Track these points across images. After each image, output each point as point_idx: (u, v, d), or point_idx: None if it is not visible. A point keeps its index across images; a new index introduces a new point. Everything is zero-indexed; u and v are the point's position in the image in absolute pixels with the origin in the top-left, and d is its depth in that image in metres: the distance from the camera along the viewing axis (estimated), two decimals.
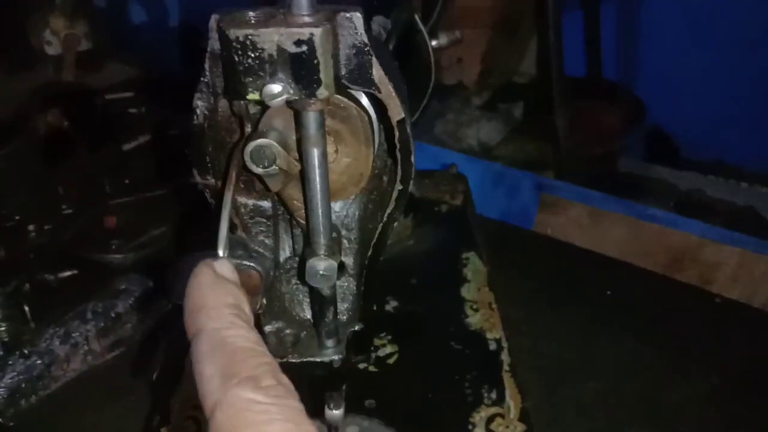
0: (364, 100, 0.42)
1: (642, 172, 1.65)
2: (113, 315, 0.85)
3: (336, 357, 0.47)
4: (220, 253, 0.41)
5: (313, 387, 0.50)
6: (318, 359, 0.47)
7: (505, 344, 0.68)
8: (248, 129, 0.43)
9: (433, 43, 0.81)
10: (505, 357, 0.67)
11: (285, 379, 0.30)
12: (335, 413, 0.52)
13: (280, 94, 0.36)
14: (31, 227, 1.03)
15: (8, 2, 1.36)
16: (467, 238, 0.85)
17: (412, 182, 0.43)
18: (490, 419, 0.60)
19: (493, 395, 0.63)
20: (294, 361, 0.47)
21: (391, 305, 0.72)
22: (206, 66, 0.39)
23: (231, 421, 0.28)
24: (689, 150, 1.70)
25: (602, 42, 1.70)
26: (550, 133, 1.53)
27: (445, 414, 0.61)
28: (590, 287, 1.03)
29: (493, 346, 0.68)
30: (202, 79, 0.40)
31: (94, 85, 1.32)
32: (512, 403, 0.62)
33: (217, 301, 0.33)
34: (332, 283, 0.44)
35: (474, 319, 0.71)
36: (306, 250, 0.45)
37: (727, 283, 1.08)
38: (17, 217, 1.03)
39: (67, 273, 0.94)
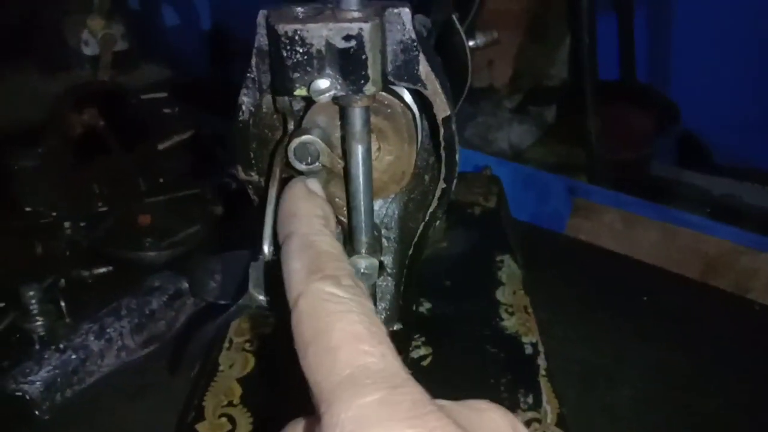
0: (407, 97, 0.42)
1: (674, 177, 1.62)
2: (147, 312, 0.85)
3: None
4: (265, 249, 0.41)
5: None
6: None
7: (541, 348, 0.67)
8: (291, 126, 0.43)
9: (470, 43, 0.80)
10: (541, 361, 0.66)
11: (361, 284, 0.32)
12: None
13: (327, 90, 0.35)
14: (66, 224, 1.04)
15: (45, 4, 1.39)
16: (501, 240, 0.84)
17: (455, 181, 0.43)
18: (526, 424, 0.59)
19: (530, 400, 0.62)
20: None
21: (425, 307, 0.72)
22: (252, 62, 0.39)
23: (313, 309, 0.30)
24: (722, 155, 1.67)
25: (636, 45, 1.68)
26: (583, 136, 1.51)
27: None
28: (624, 292, 1.01)
29: (529, 350, 0.67)
30: (248, 75, 0.40)
31: (129, 85, 1.34)
32: (549, 408, 0.61)
33: (309, 211, 0.36)
34: (373, 281, 0.43)
35: (509, 323, 0.70)
36: (347, 248, 0.44)
37: (764, 291, 1.05)
38: (53, 215, 1.04)
39: (102, 270, 0.95)
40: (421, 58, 0.38)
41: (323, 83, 0.35)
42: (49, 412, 0.76)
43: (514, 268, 0.79)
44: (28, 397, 0.76)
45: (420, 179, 0.46)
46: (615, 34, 1.70)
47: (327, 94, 0.36)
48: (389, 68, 0.38)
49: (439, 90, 0.39)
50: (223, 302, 0.93)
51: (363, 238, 0.42)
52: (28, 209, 1.02)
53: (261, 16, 0.37)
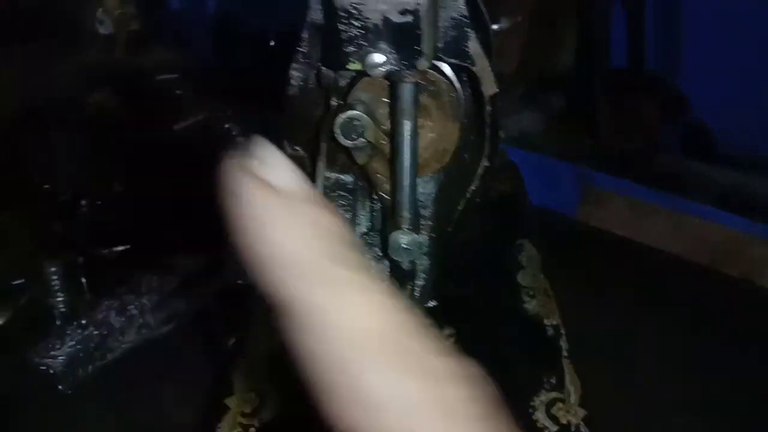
0: (448, 71, 0.42)
1: (681, 167, 1.63)
2: (167, 290, 0.86)
3: None
4: None
5: None
6: None
7: (563, 330, 0.68)
8: (334, 102, 0.43)
9: (494, 26, 0.81)
10: (563, 343, 0.67)
11: None
12: None
13: (383, 65, 0.36)
14: (83, 202, 1.04)
15: None
16: (521, 224, 0.85)
17: (497, 160, 0.44)
18: (550, 403, 0.60)
19: (553, 380, 0.63)
20: None
21: (447, 288, 0.73)
22: (305, 35, 0.39)
23: None
24: (729, 145, 1.67)
25: (645, 32, 1.67)
26: (591, 125, 1.52)
27: (505, 397, 0.61)
28: (636, 277, 1.02)
29: (551, 332, 0.68)
30: (299, 49, 0.40)
31: (143, 65, 1.34)
32: (572, 388, 0.62)
33: (304, 247, 0.22)
34: (414, 257, 0.44)
35: (531, 305, 0.71)
36: (388, 223, 0.45)
37: None
38: (71, 192, 1.05)
39: (121, 248, 0.96)
40: (471, 34, 0.39)
41: (379, 57, 0.36)
42: (72, 386, 0.77)
43: (533, 252, 0.80)
44: (51, 371, 0.77)
45: (459, 157, 0.46)
46: (624, 21, 1.70)
47: (382, 69, 0.36)
48: (440, 44, 0.39)
49: (488, 67, 0.40)
50: (241, 281, 0.94)
51: (406, 214, 0.43)
52: (46, 187, 1.02)
53: None
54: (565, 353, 0.65)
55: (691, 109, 1.62)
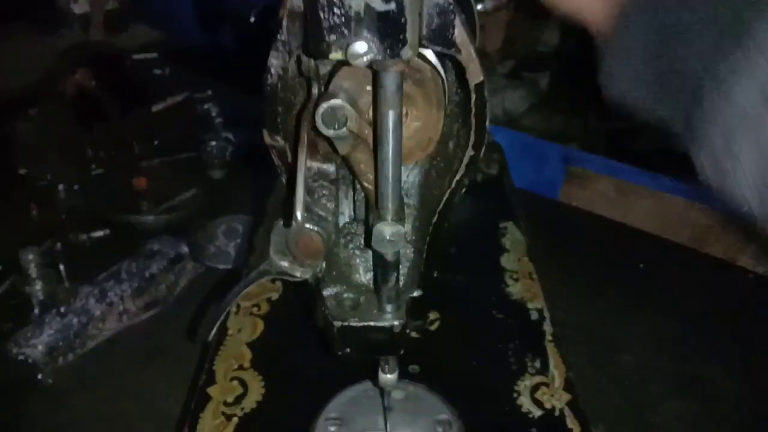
0: (434, 61, 0.41)
1: (664, 147, 1.63)
2: (147, 276, 0.85)
3: (396, 322, 0.47)
4: (298, 215, 0.41)
5: (369, 351, 0.50)
6: (378, 324, 0.47)
7: (547, 314, 0.68)
8: (315, 90, 0.42)
9: (479, 6, 0.79)
10: (547, 327, 0.67)
11: None
12: (389, 377, 0.52)
13: (365, 54, 0.35)
14: (61, 187, 1.02)
15: None
16: (505, 207, 0.84)
17: (483, 149, 0.43)
18: (534, 388, 0.60)
19: (537, 364, 0.63)
20: (354, 324, 0.47)
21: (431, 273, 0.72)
22: (283, 24, 0.38)
23: None
24: None
25: None
26: (576, 104, 1.51)
27: (489, 382, 0.61)
28: (619, 259, 1.02)
29: (534, 316, 0.68)
30: (278, 37, 0.39)
31: (120, 45, 1.31)
32: (557, 372, 0.62)
33: None
34: (398, 248, 0.43)
35: (515, 289, 0.71)
36: (372, 215, 0.44)
37: (754, 259, 1.08)
38: (48, 176, 1.03)
39: (99, 233, 0.94)
40: (457, 22, 0.37)
41: (361, 47, 0.35)
42: (52, 375, 0.76)
43: (518, 235, 0.79)
44: (30, 361, 0.76)
45: (444, 146, 0.45)
46: None
47: (364, 58, 0.35)
48: (424, 31, 0.38)
49: (474, 55, 0.39)
50: (222, 266, 0.93)
51: (389, 205, 0.42)
52: (22, 172, 1.00)
53: None
54: (549, 337, 0.65)
55: None
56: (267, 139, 0.44)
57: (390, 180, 0.41)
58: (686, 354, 0.83)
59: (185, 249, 0.90)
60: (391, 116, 0.38)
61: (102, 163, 1.08)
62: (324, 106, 0.39)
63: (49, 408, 0.73)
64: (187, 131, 1.15)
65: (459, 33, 0.38)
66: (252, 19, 1.59)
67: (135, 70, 1.27)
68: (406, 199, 0.48)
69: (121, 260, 0.87)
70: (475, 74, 0.39)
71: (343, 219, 0.49)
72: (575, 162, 1.33)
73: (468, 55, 0.39)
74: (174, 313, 0.85)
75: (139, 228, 0.96)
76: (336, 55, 0.36)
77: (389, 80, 0.37)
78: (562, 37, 1.72)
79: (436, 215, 0.46)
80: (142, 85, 1.24)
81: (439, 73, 0.41)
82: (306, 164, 0.42)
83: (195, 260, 0.91)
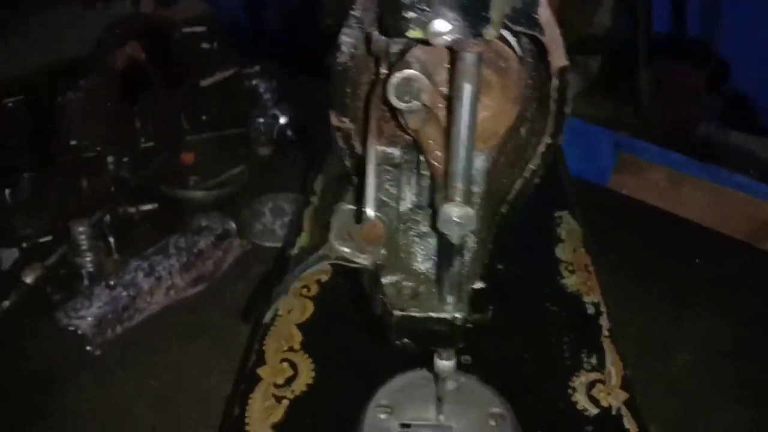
0: (515, 44, 0.39)
1: (721, 137, 1.57)
2: (195, 251, 0.85)
3: (457, 315, 0.45)
4: (370, 212, 0.39)
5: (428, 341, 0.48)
6: (439, 315, 0.46)
7: (603, 309, 0.65)
8: (383, 70, 0.40)
9: None
10: (604, 322, 0.64)
11: None
12: (447, 363, 0.51)
13: (447, 33, 0.33)
14: (110, 159, 1.03)
15: None
16: (560, 196, 0.82)
17: (562, 136, 0.41)
18: (590, 385, 0.58)
19: (593, 360, 0.61)
20: (414, 314, 0.46)
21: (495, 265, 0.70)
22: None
23: None
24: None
25: None
26: (630, 91, 1.46)
27: (543, 376, 0.59)
28: (674, 252, 0.99)
29: (591, 310, 0.66)
30: (351, 13, 0.37)
31: (169, 19, 1.30)
32: (614, 369, 0.59)
33: None
34: (466, 231, 0.41)
35: (570, 281, 0.69)
36: (438, 195, 0.42)
37: None
38: (98, 149, 1.03)
39: (148, 207, 0.94)
40: (542, 1, 0.35)
41: (443, 25, 0.33)
42: (101, 347, 0.77)
43: (573, 225, 0.77)
44: (80, 332, 0.76)
45: (515, 132, 0.43)
46: None
47: (445, 37, 0.33)
48: (507, 10, 0.35)
49: (558, 37, 0.36)
50: (268, 244, 0.92)
51: (459, 185, 0.40)
52: (72, 143, 1.01)
53: None
54: (606, 333, 0.63)
55: (730, 78, 1.56)
56: (334, 121, 0.42)
57: (461, 158, 0.39)
58: (743, 356, 0.80)
59: (232, 225, 0.90)
60: (467, 95, 0.36)
61: (150, 137, 1.08)
62: (398, 76, 0.37)
63: (95, 379, 0.74)
64: (235, 107, 1.14)
65: (543, 12, 0.36)
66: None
67: (184, 43, 1.26)
68: (473, 188, 0.46)
69: (168, 234, 0.87)
70: (558, 57, 0.37)
71: (405, 205, 0.47)
72: (627, 149, 1.29)
73: (552, 36, 0.37)
74: (220, 289, 0.85)
75: (186, 203, 0.96)
76: (414, 33, 0.34)
77: (468, 60, 0.35)
78: (615, 19, 1.66)
79: (505, 205, 0.45)
80: (191, 60, 1.24)
81: (519, 58, 0.39)
82: (376, 150, 0.40)
83: (242, 237, 0.91)
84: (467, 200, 0.40)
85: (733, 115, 1.60)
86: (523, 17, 0.36)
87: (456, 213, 0.40)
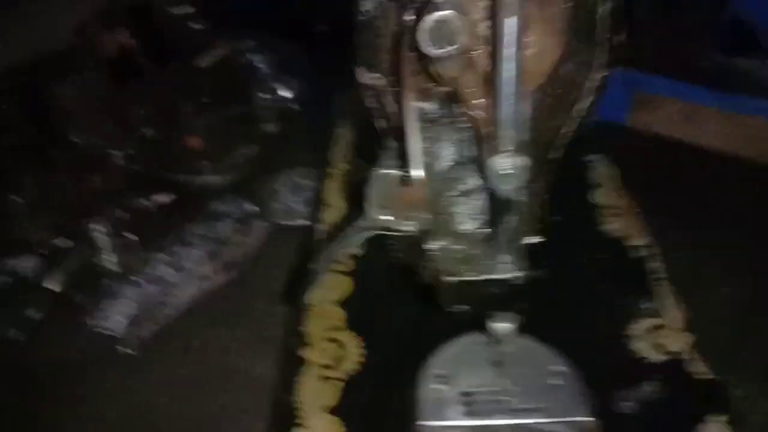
0: None
1: (730, 64, 1.51)
2: (219, 238, 0.82)
3: (515, 274, 0.43)
4: (418, 174, 0.36)
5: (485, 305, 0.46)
6: (496, 276, 0.43)
7: (655, 251, 0.63)
8: (410, 17, 0.37)
9: None
10: (657, 264, 0.61)
11: None
12: (504, 326, 0.48)
13: None
14: (117, 153, 0.99)
15: None
16: (589, 139, 0.78)
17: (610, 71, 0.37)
18: (650, 330, 0.56)
19: (650, 306, 0.58)
20: (469, 279, 0.43)
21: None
22: None
23: None
24: None
25: None
26: (631, 26, 1.41)
27: (601, 328, 0.57)
28: (699, 184, 0.96)
29: (641, 253, 0.63)
30: None
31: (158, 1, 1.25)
32: (674, 313, 0.57)
33: None
34: (519, 183, 0.38)
35: (614, 226, 0.66)
36: (486, 147, 0.39)
37: None
38: (102, 144, 0.99)
39: (164, 197, 0.91)
40: None
41: None
42: (135, 347, 0.74)
43: (609, 169, 0.73)
44: (108, 333, 0.74)
45: (561, 69, 0.40)
46: None
47: None
48: None
49: None
50: (291, 223, 0.89)
51: (509, 133, 0.37)
52: (74, 140, 0.97)
53: None
54: (662, 275, 0.60)
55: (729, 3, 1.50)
56: (363, 78, 0.39)
57: (509, 104, 0.36)
58: None
59: (251, 207, 0.87)
60: (513, 24, 0.33)
61: (154, 125, 1.04)
62: (430, 19, 0.34)
63: (129, 378, 0.71)
64: (235, 85, 1.10)
65: None
66: None
67: (173, 26, 1.22)
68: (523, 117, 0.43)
69: (187, 224, 0.84)
70: None
71: (444, 163, 0.44)
72: (638, 87, 1.25)
73: None
74: (250, 273, 0.82)
75: (201, 189, 0.93)
76: None
77: None
78: None
79: (555, 151, 0.41)
80: (183, 42, 1.19)
81: None
82: (412, 102, 0.37)
83: (263, 218, 0.88)
84: (519, 149, 0.37)
85: (735, 41, 1.54)
86: None
87: (508, 164, 0.37)
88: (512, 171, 0.37)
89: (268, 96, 1.07)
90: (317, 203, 0.79)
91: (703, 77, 1.35)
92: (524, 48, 0.37)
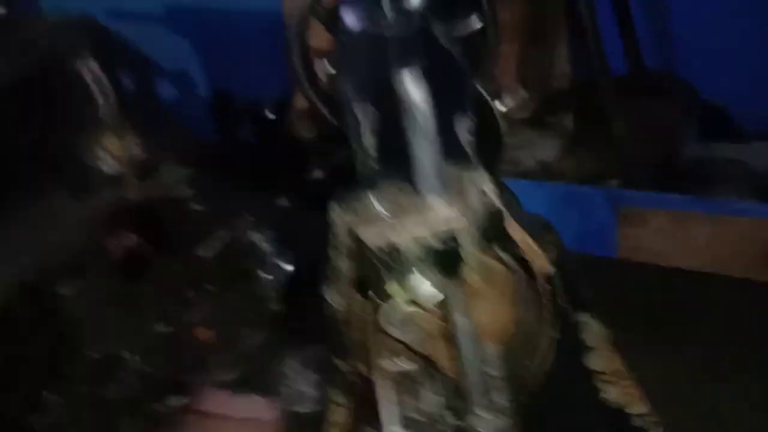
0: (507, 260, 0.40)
1: (707, 154, 1.56)
2: None
3: None
4: None
5: None
6: None
7: (655, 419, 0.64)
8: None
9: (501, 107, 0.78)
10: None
11: None
12: None
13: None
14: (127, 356, 1.03)
15: (52, 126, 1.38)
16: (575, 296, 0.81)
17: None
18: None
19: None
20: None
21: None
22: None
23: None
24: (744, 119, 1.60)
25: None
26: (608, 140, 1.47)
27: None
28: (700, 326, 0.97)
29: (640, 423, 0.64)
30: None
31: (153, 191, 1.32)
32: None
33: None
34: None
35: (611, 394, 0.67)
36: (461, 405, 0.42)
37: None
38: (113, 347, 1.03)
39: (178, 400, 0.94)
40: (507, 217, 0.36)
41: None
42: None
43: (597, 327, 0.76)
44: None
45: (521, 325, 0.44)
46: (612, 22, 1.65)
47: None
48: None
49: (536, 248, 0.37)
50: (302, 410, 0.91)
51: (481, 399, 0.40)
52: (91, 354, 1.01)
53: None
54: None
55: (700, 97, 1.57)
56: (344, 368, 0.43)
57: (475, 373, 0.39)
58: None
59: (262, 402, 0.89)
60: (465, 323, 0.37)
61: (162, 319, 1.08)
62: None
63: None
64: (238, 269, 1.15)
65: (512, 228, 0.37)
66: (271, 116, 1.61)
67: (173, 211, 1.28)
68: (491, 371, 0.46)
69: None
70: (541, 267, 0.38)
71: (433, 408, 0.47)
72: (626, 202, 1.29)
73: (528, 247, 0.37)
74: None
75: (214, 385, 0.96)
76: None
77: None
78: (573, 66, 1.68)
79: (525, 393, 0.44)
80: (184, 227, 1.25)
81: (514, 272, 0.40)
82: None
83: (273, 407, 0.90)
84: (492, 410, 0.40)
85: (710, 126, 1.59)
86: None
87: (484, 425, 0.40)
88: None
89: (270, 277, 1.11)
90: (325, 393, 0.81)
91: (685, 174, 1.40)
92: (480, 314, 0.41)
